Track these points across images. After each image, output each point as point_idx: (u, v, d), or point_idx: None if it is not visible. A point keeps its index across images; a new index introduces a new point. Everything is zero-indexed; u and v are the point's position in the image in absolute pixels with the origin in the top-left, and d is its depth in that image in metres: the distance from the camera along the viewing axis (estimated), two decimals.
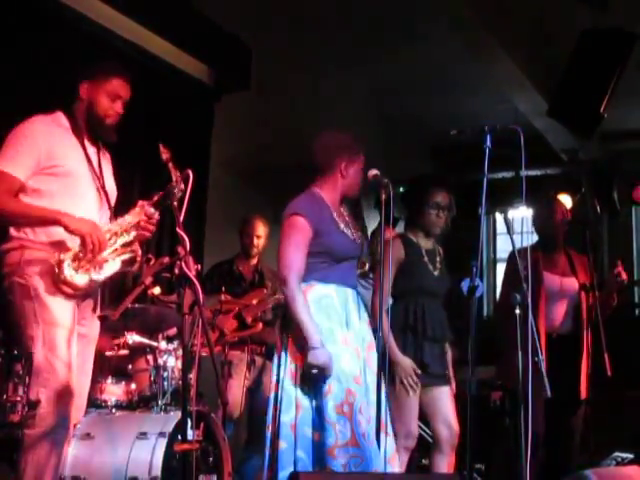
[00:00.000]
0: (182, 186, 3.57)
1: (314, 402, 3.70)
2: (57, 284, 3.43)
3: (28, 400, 3.37)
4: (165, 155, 3.52)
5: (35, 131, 3.52)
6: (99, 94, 3.66)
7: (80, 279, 3.46)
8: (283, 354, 3.81)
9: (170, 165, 3.55)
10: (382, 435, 3.70)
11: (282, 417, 3.70)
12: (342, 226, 3.96)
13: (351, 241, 3.97)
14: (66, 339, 3.42)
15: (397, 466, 3.84)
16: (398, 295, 4.46)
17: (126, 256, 3.58)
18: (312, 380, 3.70)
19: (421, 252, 4.54)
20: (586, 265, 5.09)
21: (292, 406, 3.71)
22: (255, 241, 5.99)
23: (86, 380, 3.73)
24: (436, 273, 4.53)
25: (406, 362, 4.32)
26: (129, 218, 3.62)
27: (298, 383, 3.73)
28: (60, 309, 3.44)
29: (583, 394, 4.78)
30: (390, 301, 4.45)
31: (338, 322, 3.82)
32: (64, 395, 3.37)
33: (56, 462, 3.42)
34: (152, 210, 3.54)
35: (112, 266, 3.55)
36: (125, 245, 3.58)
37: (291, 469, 3.63)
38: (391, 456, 3.77)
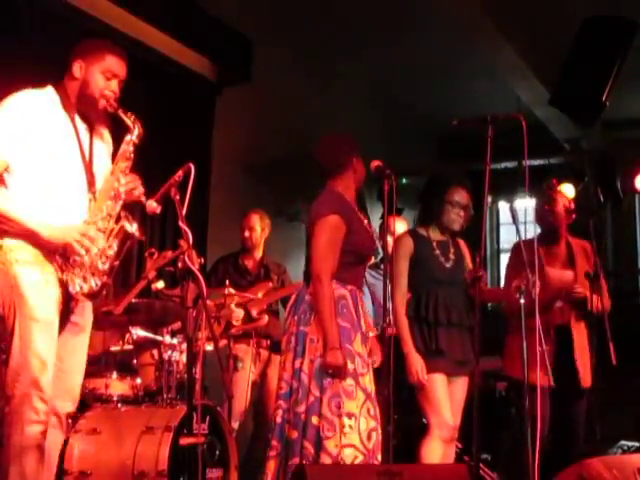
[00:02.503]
0: (139, 126, 3.52)
1: (324, 394, 3.75)
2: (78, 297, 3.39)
3: (5, 395, 3.30)
4: (110, 108, 3.47)
5: (19, 105, 3.36)
6: (93, 73, 3.47)
7: (93, 282, 3.40)
8: (300, 347, 3.87)
9: (120, 112, 3.49)
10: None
11: (297, 408, 3.77)
12: (365, 224, 4.08)
13: (373, 240, 4.13)
14: (46, 334, 3.32)
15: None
16: (411, 288, 4.51)
17: (118, 229, 3.47)
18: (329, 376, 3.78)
19: (431, 245, 4.59)
20: (589, 251, 5.06)
21: (305, 396, 3.78)
22: (247, 233, 6.01)
23: (77, 370, 3.59)
24: (448, 264, 4.57)
25: (415, 359, 4.36)
26: (104, 192, 3.49)
27: (313, 373, 3.79)
28: (39, 301, 3.31)
29: (584, 383, 4.77)
30: (408, 295, 4.54)
31: (352, 323, 3.90)
32: (37, 391, 3.28)
33: (38, 457, 3.33)
34: (155, 204, 3.51)
35: (112, 250, 3.46)
36: (117, 221, 3.48)
37: (297, 459, 3.69)
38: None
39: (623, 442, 5.21)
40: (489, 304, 8.47)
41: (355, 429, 3.73)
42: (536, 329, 3.94)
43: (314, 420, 3.73)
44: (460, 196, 4.57)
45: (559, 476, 3.84)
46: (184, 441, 3.40)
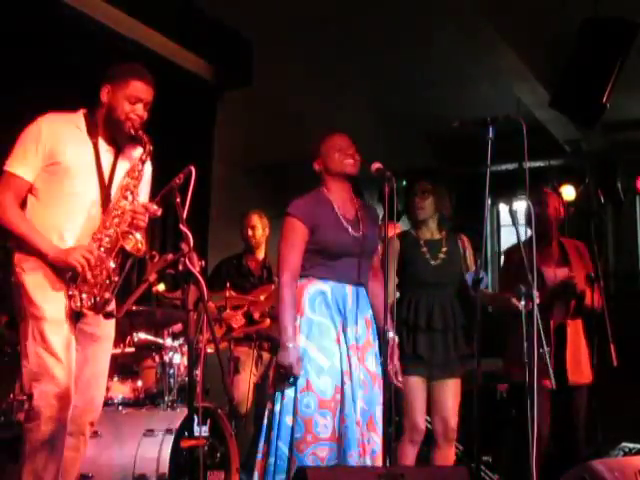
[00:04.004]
0: (150, 144, 3.57)
1: (296, 394, 3.73)
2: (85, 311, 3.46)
3: (27, 394, 3.39)
4: (132, 130, 3.54)
5: (41, 129, 3.49)
6: (118, 97, 3.56)
7: (93, 299, 3.46)
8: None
9: (140, 133, 3.56)
10: (372, 434, 3.79)
11: (275, 407, 3.77)
12: (344, 221, 3.97)
13: (351, 237, 3.95)
14: (57, 333, 3.39)
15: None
16: (398, 288, 4.49)
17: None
18: (281, 377, 3.77)
19: (418, 243, 4.57)
20: (582, 250, 5.08)
21: (280, 395, 3.77)
22: (250, 232, 6.03)
23: (96, 381, 3.63)
24: (434, 263, 4.53)
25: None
26: (111, 209, 3.56)
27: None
28: (49, 303, 3.41)
29: (573, 380, 4.75)
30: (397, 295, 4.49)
31: (332, 319, 3.85)
32: (55, 389, 3.34)
33: (57, 456, 3.37)
34: (155, 207, 3.52)
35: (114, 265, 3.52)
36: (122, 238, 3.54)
37: (273, 459, 3.70)
38: (377, 455, 3.79)
39: (625, 444, 5.20)
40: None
41: (329, 427, 3.69)
42: (537, 331, 3.94)
43: (287, 420, 3.72)
44: (419, 186, 4.59)
45: (561, 478, 3.84)
46: (185, 444, 3.40)
